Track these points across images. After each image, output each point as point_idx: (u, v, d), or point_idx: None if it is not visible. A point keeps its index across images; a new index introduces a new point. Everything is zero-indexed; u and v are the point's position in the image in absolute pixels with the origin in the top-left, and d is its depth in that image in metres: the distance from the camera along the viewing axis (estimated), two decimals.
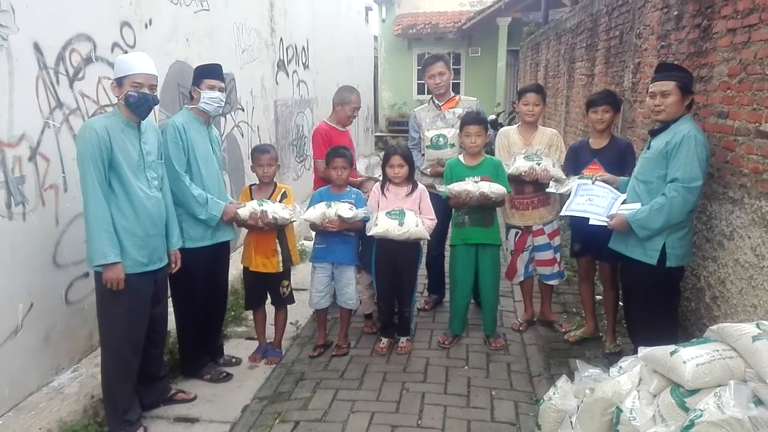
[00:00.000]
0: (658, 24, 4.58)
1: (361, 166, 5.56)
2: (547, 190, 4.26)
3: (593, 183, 3.81)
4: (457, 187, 4.11)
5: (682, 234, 3.37)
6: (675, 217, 3.26)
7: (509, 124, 13.34)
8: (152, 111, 3.34)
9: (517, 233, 4.61)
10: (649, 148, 3.48)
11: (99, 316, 3.28)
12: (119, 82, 3.14)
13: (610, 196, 3.69)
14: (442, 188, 4.23)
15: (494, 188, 4.09)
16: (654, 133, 3.49)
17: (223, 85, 3.82)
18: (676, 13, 4.19)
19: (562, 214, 4.04)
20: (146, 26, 4.38)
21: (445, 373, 4.01)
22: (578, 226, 4.05)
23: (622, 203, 3.58)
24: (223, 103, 3.83)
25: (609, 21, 6.26)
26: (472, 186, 4.08)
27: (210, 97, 3.74)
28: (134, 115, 3.18)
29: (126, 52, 3.98)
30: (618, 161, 3.91)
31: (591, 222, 3.67)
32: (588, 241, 4.12)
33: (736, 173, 3.26)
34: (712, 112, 3.57)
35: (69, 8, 3.52)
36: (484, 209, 4.21)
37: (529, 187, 4.42)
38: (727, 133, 3.37)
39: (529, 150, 4.45)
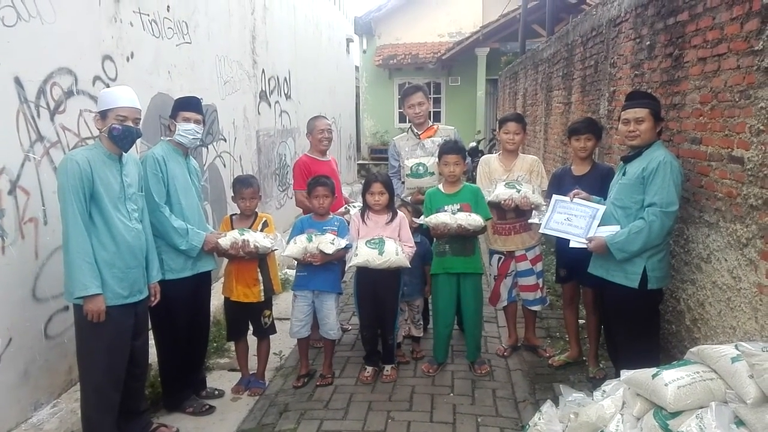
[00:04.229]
0: (632, 53, 4.71)
1: (345, 195, 5.58)
2: (530, 221, 4.30)
3: (571, 201, 3.86)
4: (434, 219, 4.14)
5: (661, 256, 3.45)
6: (653, 240, 3.35)
7: (489, 151, 13.52)
8: (134, 144, 3.34)
9: (500, 258, 4.64)
10: (624, 174, 3.56)
11: (79, 350, 3.23)
12: (103, 114, 3.16)
13: (588, 215, 3.74)
14: (420, 220, 4.26)
15: (472, 220, 4.11)
16: (627, 160, 3.57)
17: (199, 117, 3.84)
18: (648, 43, 4.32)
19: (540, 231, 4.07)
20: (128, 59, 4.41)
21: (431, 401, 3.99)
22: (563, 252, 4.10)
23: (600, 225, 3.64)
24: (199, 135, 3.85)
25: (584, 51, 6.41)
26: (450, 218, 4.11)
27: (185, 129, 3.76)
28: (117, 148, 3.19)
29: (108, 86, 4.01)
30: (600, 187, 3.94)
31: (571, 245, 3.74)
32: (573, 267, 4.16)
33: (711, 197, 3.33)
34: (685, 138, 3.66)
35: (50, 42, 3.54)
36: (464, 238, 4.24)
37: (511, 213, 4.46)
38: (701, 158, 3.45)
39: (510, 176, 4.51)
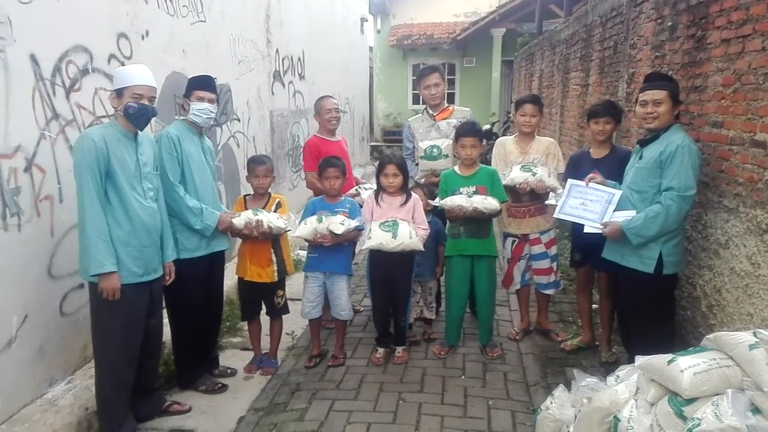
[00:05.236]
0: (653, 34, 4.61)
1: (356, 175, 5.56)
2: (547, 202, 4.26)
3: (587, 185, 3.82)
4: (450, 202, 4.12)
5: (677, 241, 3.42)
6: (670, 224, 3.31)
7: (504, 133, 13.40)
8: (150, 122, 3.34)
9: (514, 241, 4.60)
10: (641, 158, 3.51)
11: (94, 328, 3.25)
12: (119, 93, 3.15)
13: (603, 200, 3.69)
14: (436, 202, 4.23)
15: (488, 203, 4.08)
16: (644, 143, 3.52)
17: (213, 96, 3.82)
18: (670, 23, 4.23)
19: (555, 215, 4.03)
20: (143, 37, 4.39)
21: (442, 383, 3.99)
22: (578, 235, 4.06)
23: (616, 210, 3.59)
24: (213, 114, 3.83)
25: (603, 31, 6.30)
26: (466, 201, 4.08)
27: (199, 108, 3.74)
28: (132, 126, 3.19)
29: (123, 64, 4.00)
30: (619, 170, 3.85)
31: (586, 230, 3.70)
32: (588, 251, 4.11)
33: (731, 182, 3.27)
34: (706, 121, 3.60)
35: (66, 20, 3.53)
36: (479, 221, 4.21)
37: (526, 196, 4.41)
38: (722, 142, 3.39)
39: (526, 159, 4.46)
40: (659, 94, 3.37)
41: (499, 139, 4.96)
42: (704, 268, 3.59)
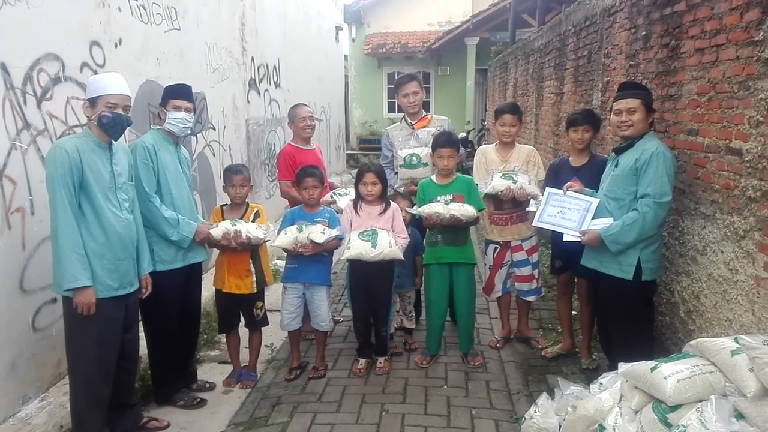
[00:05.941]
0: (626, 44, 4.68)
1: (331, 180, 5.51)
2: (528, 209, 4.28)
3: (565, 193, 3.84)
4: (427, 209, 4.12)
5: (655, 248, 3.46)
6: (647, 231, 3.35)
7: (479, 142, 13.48)
8: (124, 132, 3.27)
9: (495, 248, 4.61)
10: (617, 166, 3.54)
11: (68, 343, 3.16)
12: (92, 102, 3.08)
13: (581, 208, 3.72)
14: (413, 210, 4.23)
15: (464, 210, 4.09)
16: (619, 151, 3.56)
17: (189, 105, 3.76)
18: (644, 33, 4.29)
19: (534, 224, 4.05)
20: (116, 45, 4.31)
21: (425, 393, 3.97)
22: (558, 243, 4.08)
23: (593, 217, 3.62)
24: (190, 124, 3.77)
25: (577, 41, 6.37)
26: (443, 208, 4.08)
27: (176, 117, 3.68)
28: (107, 136, 3.12)
29: (96, 72, 3.92)
30: (598, 178, 3.88)
31: (565, 238, 3.72)
32: (568, 258, 4.14)
33: (708, 189, 3.32)
34: (681, 129, 3.64)
35: (37, 27, 3.45)
36: (457, 228, 4.21)
37: (508, 203, 4.43)
38: (698, 150, 3.43)
39: (507, 167, 4.48)
40: (633, 103, 3.42)
41: (479, 147, 4.99)
42: (682, 274, 3.63)
